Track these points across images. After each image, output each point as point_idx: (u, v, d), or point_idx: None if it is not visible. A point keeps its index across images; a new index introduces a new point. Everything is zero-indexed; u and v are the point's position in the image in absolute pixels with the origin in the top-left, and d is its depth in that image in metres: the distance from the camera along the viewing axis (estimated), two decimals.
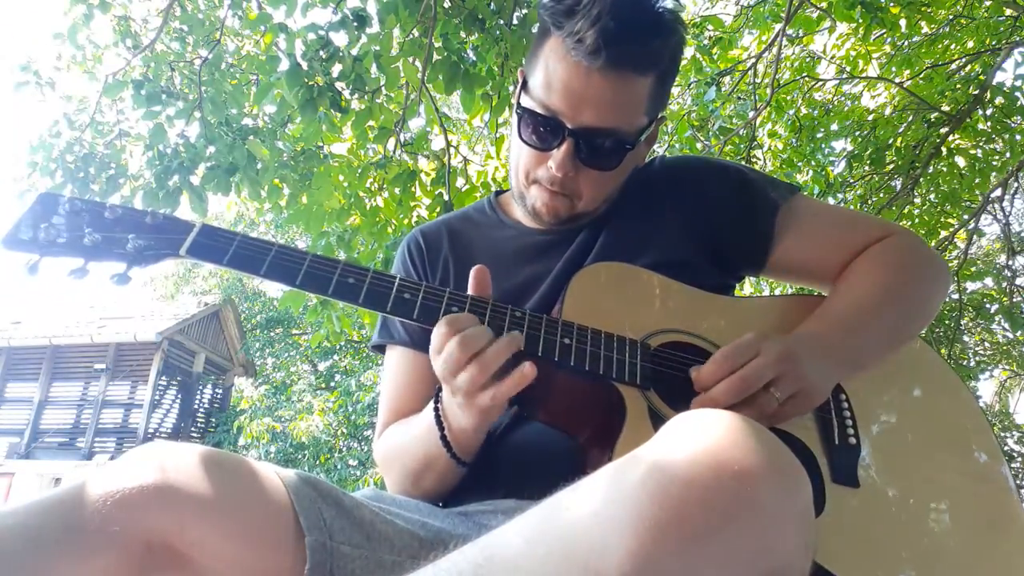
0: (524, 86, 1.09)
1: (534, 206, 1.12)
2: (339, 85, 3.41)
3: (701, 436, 0.57)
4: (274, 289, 17.01)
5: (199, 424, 14.43)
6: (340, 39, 3.41)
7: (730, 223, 1.17)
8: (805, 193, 1.30)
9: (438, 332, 0.88)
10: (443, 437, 0.99)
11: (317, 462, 11.65)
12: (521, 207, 1.17)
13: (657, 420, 0.89)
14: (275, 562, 0.76)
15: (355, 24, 3.34)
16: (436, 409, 1.00)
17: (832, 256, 1.16)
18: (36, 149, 4.40)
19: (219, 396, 15.12)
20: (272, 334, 15.19)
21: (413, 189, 3.66)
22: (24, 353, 13.54)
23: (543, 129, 1.05)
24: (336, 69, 3.38)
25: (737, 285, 1.29)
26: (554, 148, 1.05)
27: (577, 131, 1.02)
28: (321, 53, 3.30)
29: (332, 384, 13.44)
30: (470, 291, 0.94)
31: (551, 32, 1.02)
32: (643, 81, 1.03)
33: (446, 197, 3.58)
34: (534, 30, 1.12)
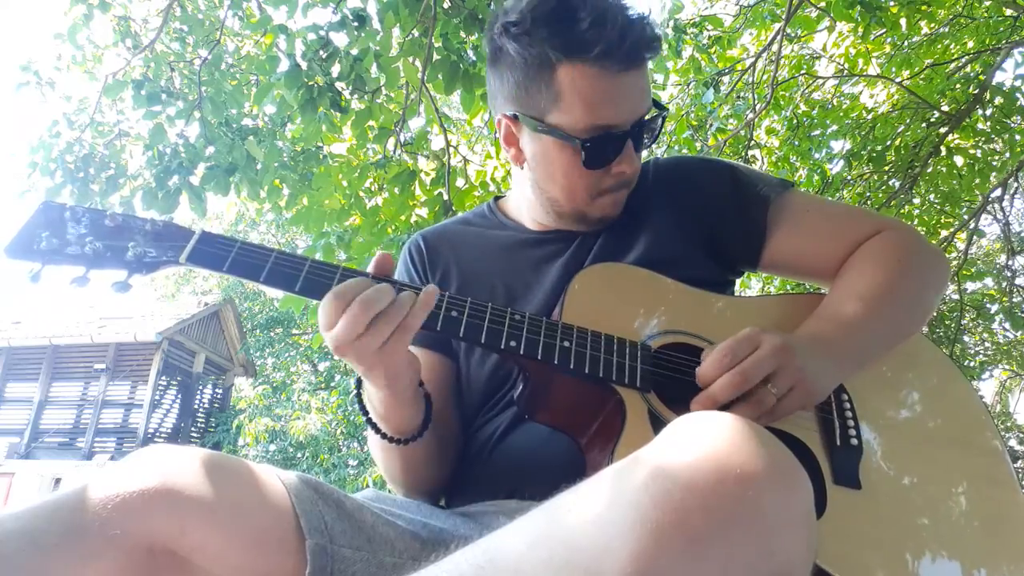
0: (547, 125, 1.06)
1: (604, 215, 1.15)
2: (339, 85, 3.41)
3: (703, 439, 0.57)
4: (274, 290, 17.00)
5: (199, 424, 14.43)
6: (340, 39, 3.41)
7: (722, 220, 1.17)
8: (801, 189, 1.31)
9: (329, 305, 0.85)
10: (366, 417, 1.01)
11: (316, 461, 11.65)
12: (577, 224, 1.17)
13: (657, 422, 0.89)
14: (276, 565, 0.76)
15: (355, 24, 3.34)
16: (358, 393, 1.00)
17: (827, 251, 1.16)
18: (36, 149, 4.40)
19: (219, 396, 15.12)
20: (272, 334, 15.18)
21: (413, 189, 3.66)
22: (24, 353, 13.53)
23: (607, 146, 1.07)
24: (336, 69, 3.38)
25: (738, 282, 1.29)
26: (616, 156, 1.08)
27: (631, 129, 1.07)
28: (321, 53, 3.30)
29: (332, 384, 13.44)
30: (370, 271, 0.93)
31: (563, 61, 1.02)
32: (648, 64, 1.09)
33: (446, 197, 3.58)
34: None
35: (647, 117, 1.08)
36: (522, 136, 1.13)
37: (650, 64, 1.09)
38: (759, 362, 0.87)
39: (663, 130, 1.21)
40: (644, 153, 1.24)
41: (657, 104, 1.11)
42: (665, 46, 5.09)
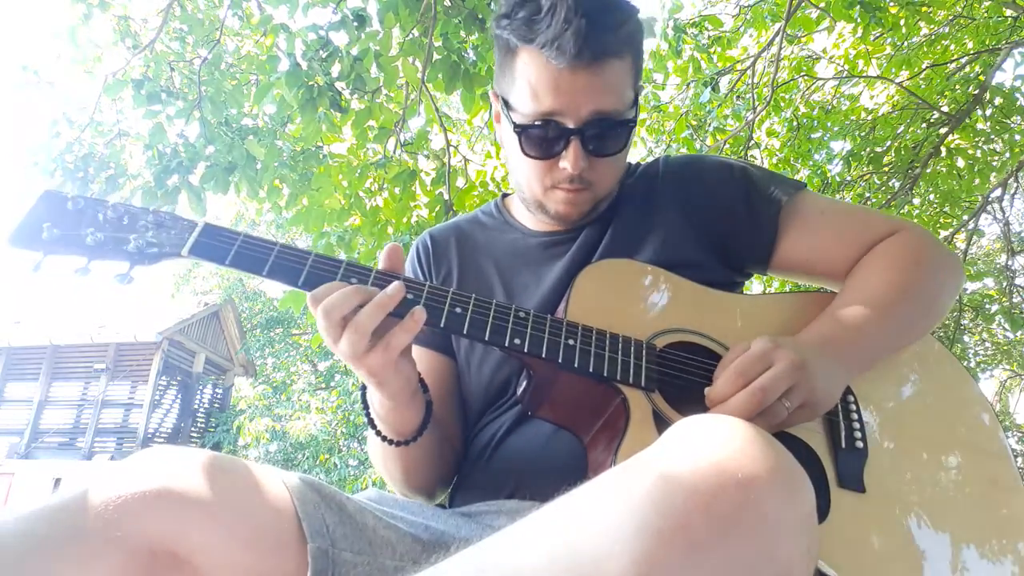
0: (508, 106, 1.08)
1: (558, 211, 1.12)
2: (339, 85, 3.41)
3: (705, 443, 0.57)
4: (274, 289, 17.01)
5: (199, 424, 14.42)
6: (340, 39, 3.40)
7: (733, 221, 1.15)
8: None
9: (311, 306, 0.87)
10: (368, 416, 1.01)
11: (316, 462, 11.65)
12: (540, 215, 1.16)
13: (661, 423, 0.88)
14: (277, 566, 0.76)
15: (355, 24, 3.34)
16: (362, 390, 1.00)
17: (839, 253, 1.14)
18: (36, 150, 4.40)
19: (219, 396, 15.11)
20: (272, 334, 15.18)
21: (413, 189, 3.65)
22: (24, 353, 13.52)
23: (547, 137, 1.04)
24: (336, 69, 3.38)
25: (746, 282, 1.27)
26: (562, 151, 1.04)
27: (580, 128, 1.02)
28: (321, 53, 3.30)
29: (332, 384, 13.44)
30: (380, 268, 0.93)
31: (520, 47, 1.02)
32: (623, 62, 1.03)
33: (446, 197, 3.58)
34: None
35: (599, 118, 1.02)
36: (500, 115, 1.14)
37: (624, 63, 1.03)
38: (777, 380, 0.85)
39: (631, 140, 1.15)
40: (652, 153, 1.23)
41: (626, 119, 1.06)
42: (665, 45, 5.09)
